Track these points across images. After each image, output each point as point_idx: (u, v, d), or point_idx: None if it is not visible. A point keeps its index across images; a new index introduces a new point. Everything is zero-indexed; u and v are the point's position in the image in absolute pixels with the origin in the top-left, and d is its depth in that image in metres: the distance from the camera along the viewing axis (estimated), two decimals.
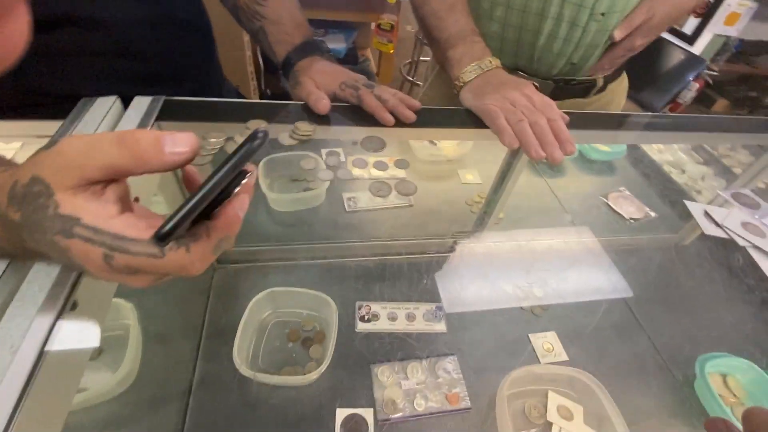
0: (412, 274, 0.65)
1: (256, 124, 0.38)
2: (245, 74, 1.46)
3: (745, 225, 0.49)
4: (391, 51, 1.68)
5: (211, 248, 0.21)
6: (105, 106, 0.39)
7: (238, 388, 0.48)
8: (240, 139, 0.38)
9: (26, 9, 0.19)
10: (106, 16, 0.39)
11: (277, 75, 1.79)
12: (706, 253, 0.61)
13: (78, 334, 0.27)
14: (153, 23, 0.43)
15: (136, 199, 0.36)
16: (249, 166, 0.23)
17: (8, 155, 0.39)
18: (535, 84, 0.67)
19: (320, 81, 0.48)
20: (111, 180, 0.21)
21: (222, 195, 0.21)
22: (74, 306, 0.26)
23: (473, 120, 0.52)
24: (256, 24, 0.51)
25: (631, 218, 0.64)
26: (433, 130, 0.49)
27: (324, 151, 0.77)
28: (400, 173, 0.51)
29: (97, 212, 0.20)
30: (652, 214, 0.67)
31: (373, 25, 1.68)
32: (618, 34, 0.59)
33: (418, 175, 0.83)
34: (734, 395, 0.53)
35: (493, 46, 0.66)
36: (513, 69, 0.69)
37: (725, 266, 0.56)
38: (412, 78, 2.27)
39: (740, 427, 0.25)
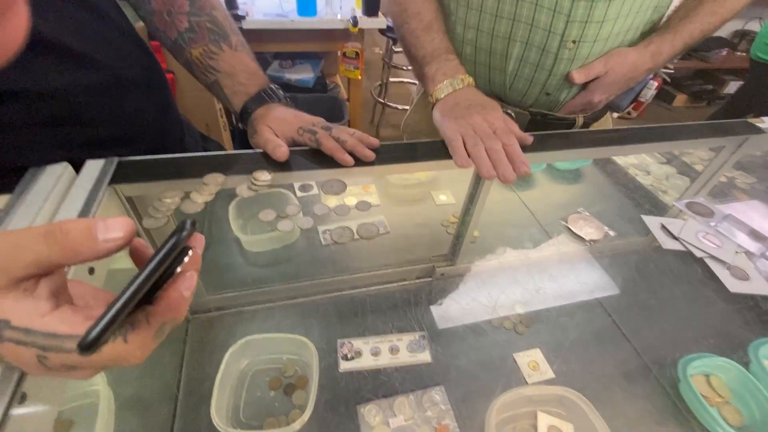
0: (394, 304, 0.64)
1: (213, 179, 0.38)
2: (214, 112, 1.46)
3: (700, 235, 0.51)
4: (359, 77, 1.71)
5: (151, 336, 0.20)
6: (55, 174, 0.38)
7: None
8: (197, 196, 0.37)
9: (26, 3, 0.19)
10: (50, 87, 0.38)
11: None
12: (678, 258, 0.62)
13: (29, 427, 0.26)
14: (100, 89, 0.42)
15: (91, 270, 0.35)
16: (194, 239, 0.23)
17: None
18: (510, 113, 0.67)
19: (277, 128, 0.48)
20: (43, 274, 0.20)
21: (162, 278, 0.20)
22: (23, 398, 0.25)
23: (433, 152, 0.53)
24: (211, 78, 0.51)
25: (591, 240, 0.65)
26: (397, 165, 0.49)
27: (297, 185, 0.77)
28: (364, 212, 0.51)
29: (27, 312, 0.19)
30: (611, 233, 0.68)
31: (339, 53, 1.72)
32: (576, 78, 0.58)
33: (391, 199, 0.83)
34: (719, 395, 0.53)
35: (468, 70, 0.66)
36: (489, 96, 0.70)
37: (695, 272, 0.57)
38: (383, 99, 2.31)
39: None
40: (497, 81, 0.66)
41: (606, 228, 0.67)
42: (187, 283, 0.21)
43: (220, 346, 0.54)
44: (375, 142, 0.48)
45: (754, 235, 0.52)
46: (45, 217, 0.35)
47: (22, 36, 0.19)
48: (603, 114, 0.75)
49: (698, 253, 0.49)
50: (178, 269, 0.21)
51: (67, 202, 0.37)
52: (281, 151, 0.43)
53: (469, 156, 0.48)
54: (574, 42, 0.56)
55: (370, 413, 0.51)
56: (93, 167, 0.40)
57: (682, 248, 0.50)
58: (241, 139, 0.53)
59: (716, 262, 0.48)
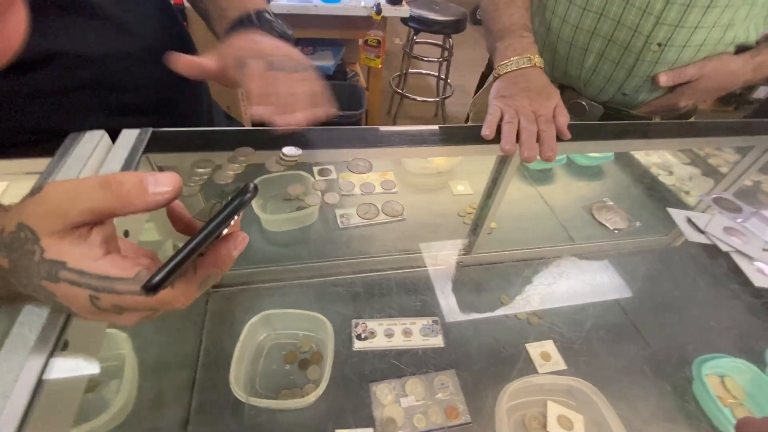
0: (408, 289, 0.65)
1: (244, 152, 0.39)
2: (234, 94, 1.48)
3: (727, 230, 0.50)
4: (379, 66, 1.70)
5: (196, 284, 0.21)
6: (93, 140, 0.40)
7: (237, 415, 0.47)
8: (228, 168, 0.39)
9: (24, 4, 0.19)
10: (88, 52, 0.39)
11: None
12: (696, 256, 0.62)
13: (69, 374, 0.27)
14: (137, 56, 0.43)
15: (126, 233, 0.36)
16: None
17: None
18: (584, 104, 0.66)
19: (222, 49, 0.37)
20: (96, 222, 0.21)
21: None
22: (65, 346, 0.27)
23: (457, 137, 0.53)
24: (201, 5, 0.45)
25: (616, 228, 0.65)
26: (422, 148, 0.49)
27: (316, 169, 0.78)
28: (388, 192, 0.51)
29: (82, 255, 0.20)
30: (637, 223, 0.67)
31: (360, 41, 1.71)
32: (663, 80, 0.57)
33: (409, 188, 0.83)
34: (733, 396, 0.53)
35: (546, 58, 0.65)
36: (564, 86, 0.68)
37: (713, 270, 0.57)
38: (402, 90, 2.30)
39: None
40: (573, 74, 0.65)
41: (631, 217, 0.66)
42: (237, 243, 0.22)
43: (239, 319, 0.56)
44: (332, 113, 0.35)
45: None
46: None
47: (18, 40, 0.19)
48: (688, 117, 0.71)
49: (724, 247, 0.48)
50: (225, 231, 0.22)
51: (104, 169, 0.38)
52: (177, 56, 0.35)
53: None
54: (659, 45, 0.55)
55: (383, 392, 0.52)
56: (129, 136, 0.41)
57: (707, 242, 0.50)
58: (260, 123, 0.52)
59: (742, 257, 0.48)
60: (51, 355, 0.26)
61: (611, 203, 0.71)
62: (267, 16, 0.42)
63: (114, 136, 0.42)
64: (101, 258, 0.20)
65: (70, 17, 0.37)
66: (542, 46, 0.65)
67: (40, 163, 0.39)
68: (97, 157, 0.39)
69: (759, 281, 0.46)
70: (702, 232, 0.50)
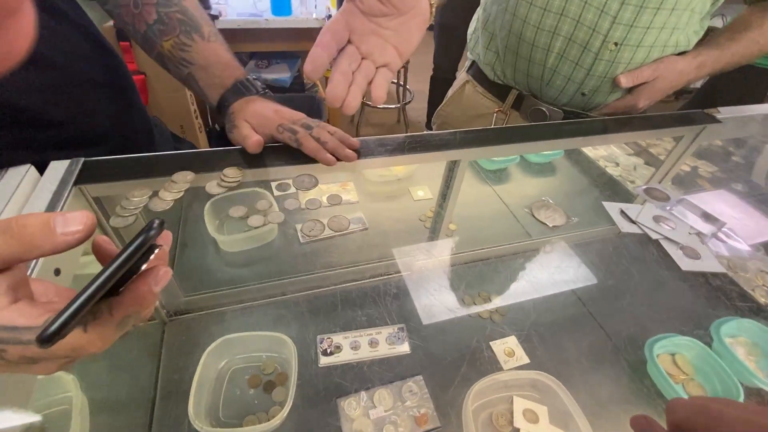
0: (372, 299, 0.65)
1: (182, 177, 0.38)
2: (189, 113, 1.44)
3: (657, 218, 0.53)
4: None
5: (113, 327, 0.20)
6: (17, 176, 0.38)
7: None
8: (165, 194, 0.37)
9: (32, 5, 0.18)
10: (5, 84, 0.37)
11: None
12: (637, 243, 0.65)
13: None
14: (56, 88, 0.41)
15: (57, 272, 0.34)
16: (161, 236, 0.23)
17: None
18: (545, 110, 0.68)
19: (257, 124, 0.47)
20: (2, 268, 0.20)
21: (127, 275, 0.20)
22: None
23: (413, 147, 0.54)
24: (184, 71, 0.50)
25: (554, 225, 0.67)
26: (376, 159, 0.50)
27: (274, 184, 0.77)
28: (339, 204, 0.51)
29: None
30: (574, 219, 0.70)
31: None
32: (623, 81, 0.60)
33: (369, 196, 0.84)
34: (684, 372, 0.56)
35: (508, 61, 0.67)
36: (525, 92, 0.70)
37: (649, 254, 0.60)
38: (363, 98, 2.31)
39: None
40: (535, 75, 0.67)
41: (568, 214, 0.69)
42: (158, 278, 0.21)
43: (198, 347, 0.54)
44: (355, 142, 0.49)
45: (706, 217, 0.55)
46: None
47: (28, 41, 0.18)
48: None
49: (654, 235, 0.51)
50: (144, 266, 0.21)
51: (30, 204, 0.36)
52: (251, 141, 0.43)
53: None
54: (615, 44, 0.58)
55: (351, 405, 0.51)
56: (57, 168, 0.39)
57: (639, 231, 0.53)
58: (218, 140, 0.53)
59: (670, 243, 0.51)
60: None
61: (550, 201, 0.74)
62: (259, 83, 0.53)
63: (42, 171, 0.40)
64: (6, 307, 0.19)
65: None
66: (504, 50, 0.67)
67: None
68: (22, 193, 0.37)
69: (685, 266, 0.49)
70: (634, 222, 0.53)
